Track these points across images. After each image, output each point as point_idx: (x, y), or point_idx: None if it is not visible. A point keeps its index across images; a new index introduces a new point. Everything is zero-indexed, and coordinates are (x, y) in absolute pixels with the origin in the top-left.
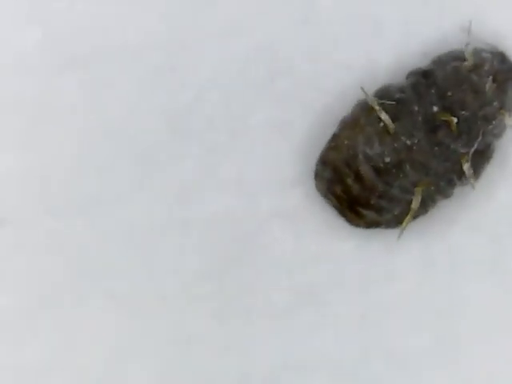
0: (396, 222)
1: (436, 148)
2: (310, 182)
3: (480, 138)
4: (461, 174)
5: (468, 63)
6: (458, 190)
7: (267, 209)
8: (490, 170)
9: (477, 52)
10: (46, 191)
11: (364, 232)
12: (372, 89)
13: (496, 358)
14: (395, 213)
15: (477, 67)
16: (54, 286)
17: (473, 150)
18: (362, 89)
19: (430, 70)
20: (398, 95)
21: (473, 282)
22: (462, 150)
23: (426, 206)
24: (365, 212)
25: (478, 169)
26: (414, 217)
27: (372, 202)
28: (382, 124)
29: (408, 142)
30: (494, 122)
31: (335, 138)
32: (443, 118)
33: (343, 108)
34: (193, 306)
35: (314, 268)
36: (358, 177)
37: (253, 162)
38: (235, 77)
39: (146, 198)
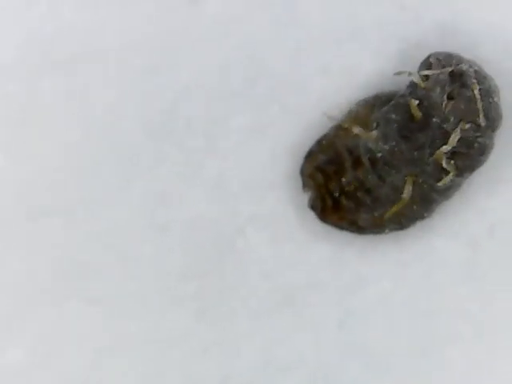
0: (371, 225)
1: (415, 153)
2: (289, 186)
3: (457, 140)
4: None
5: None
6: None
7: (246, 212)
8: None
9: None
10: (26, 193)
11: (340, 236)
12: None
13: (473, 362)
14: (375, 214)
15: (430, 89)
16: (35, 287)
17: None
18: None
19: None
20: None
21: (449, 286)
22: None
23: (425, 207)
24: (345, 202)
25: (464, 167)
26: (416, 219)
27: (359, 193)
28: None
29: (386, 147)
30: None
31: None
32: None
33: (323, 111)
34: (173, 307)
35: (292, 271)
36: (357, 163)
37: (232, 165)
38: (215, 80)
39: (126, 201)
